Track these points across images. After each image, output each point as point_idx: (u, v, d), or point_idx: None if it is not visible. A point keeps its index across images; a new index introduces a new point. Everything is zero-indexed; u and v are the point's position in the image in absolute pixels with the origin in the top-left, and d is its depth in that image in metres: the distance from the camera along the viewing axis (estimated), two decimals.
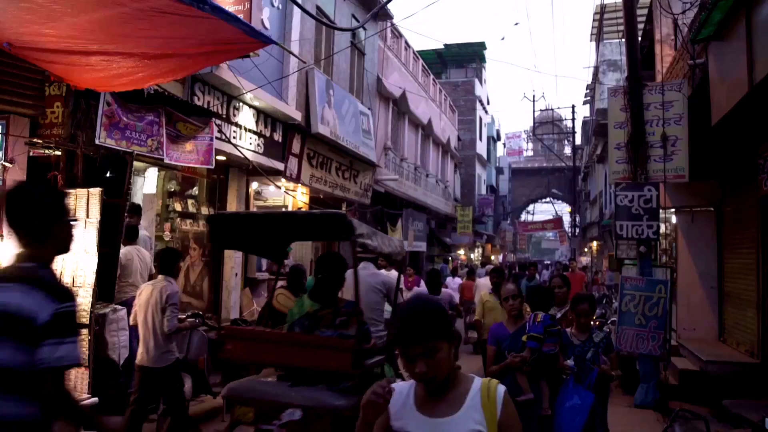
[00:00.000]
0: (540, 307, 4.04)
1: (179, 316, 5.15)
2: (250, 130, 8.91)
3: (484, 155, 33.43)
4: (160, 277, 4.91)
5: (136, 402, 4.73)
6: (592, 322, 4.33)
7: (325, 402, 3.29)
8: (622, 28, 10.63)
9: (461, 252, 28.85)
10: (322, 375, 3.47)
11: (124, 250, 5.62)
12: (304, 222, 4.31)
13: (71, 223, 2.29)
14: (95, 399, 4.27)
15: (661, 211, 7.43)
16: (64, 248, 2.26)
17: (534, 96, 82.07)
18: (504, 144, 48.91)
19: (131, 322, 5.04)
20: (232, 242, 4.46)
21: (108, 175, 5.30)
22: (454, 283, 12.71)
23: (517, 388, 3.79)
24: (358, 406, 2.15)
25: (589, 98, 29.22)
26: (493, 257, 34.87)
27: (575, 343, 4.05)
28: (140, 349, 4.79)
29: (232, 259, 9.06)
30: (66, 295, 2.11)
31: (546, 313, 3.97)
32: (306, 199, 11.28)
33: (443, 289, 8.51)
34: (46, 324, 1.99)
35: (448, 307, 8.12)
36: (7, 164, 4.69)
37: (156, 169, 7.45)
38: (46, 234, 2.15)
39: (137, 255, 5.97)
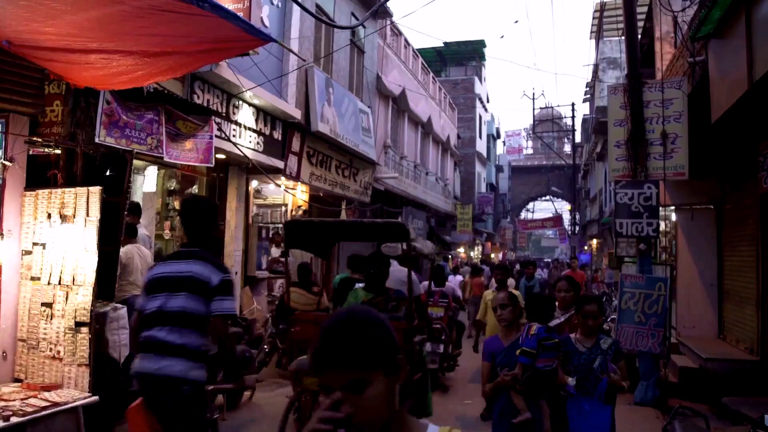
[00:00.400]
0: (537, 317, 3.65)
1: None
2: (249, 129, 8.90)
3: (484, 153, 33.43)
4: None
5: None
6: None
7: None
8: (621, 25, 10.62)
9: (461, 250, 28.87)
10: None
11: (124, 248, 5.62)
12: (370, 228, 5.31)
13: (220, 226, 3.40)
14: (95, 398, 4.28)
15: (660, 208, 7.43)
16: (214, 241, 3.52)
17: (534, 94, 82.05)
18: (504, 142, 48.88)
19: None
20: (300, 243, 5.29)
21: (108, 173, 5.29)
22: (455, 280, 12.76)
23: (513, 409, 3.49)
24: (409, 374, 2.51)
25: (588, 96, 29.19)
26: (492, 255, 34.88)
27: (581, 350, 3.62)
28: None
29: (232, 258, 9.06)
30: (225, 268, 3.19)
31: (543, 324, 3.58)
32: (306, 197, 11.28)
33: (447, 283, 9.01)
34: (216, 286, 3.03)
35: (452, 299, 8.49)
36: (6, 163, 4.68)
37: (156, 167, 7.45)
38: (207, 233, 3.26)
39: (138, 253, 5.97)
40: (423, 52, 23.14)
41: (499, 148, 43.98)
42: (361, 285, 5.69)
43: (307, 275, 6.30)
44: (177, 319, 2.98)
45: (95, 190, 4.55)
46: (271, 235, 10.70)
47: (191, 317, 2.99)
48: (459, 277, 13.52)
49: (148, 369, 2.96)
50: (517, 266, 17.41)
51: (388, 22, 15.68)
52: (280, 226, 11.31)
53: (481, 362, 3.78)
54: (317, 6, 10.89)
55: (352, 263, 6.77)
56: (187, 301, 3.00)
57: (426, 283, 7.65)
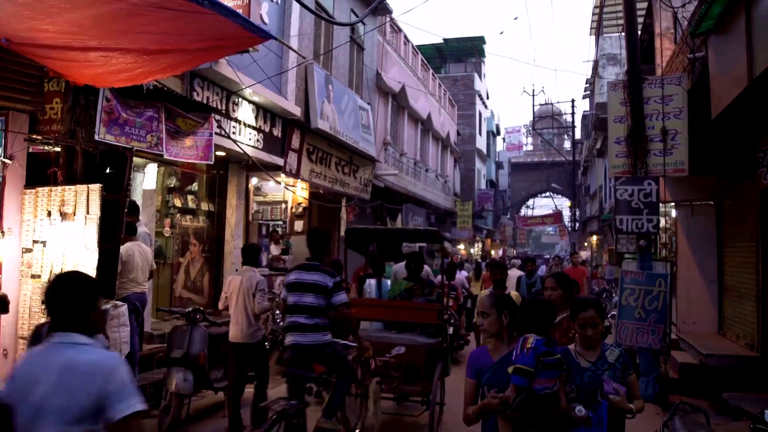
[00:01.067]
0: (534, 327, 2.84)
1: (185, 310, 5.87)
2: (249, 126, 8.90)
3: (484, 150, 33.41)
4: (245, 267, 5.76)
5: (235, 375, 5.59)
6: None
7: (420, 341, 5.45)
8: (621, 21, 10.61)
9: (461, 247, 28.87)
10: (415, 326, 5.81)
11: (125, 246, 5.62)
12: (412, 234, 7.54)
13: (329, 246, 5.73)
14: None
15: (660, 205, 7.42)
16: (323, 258, 4.92)
17: (533, 90, 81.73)
18: (503, 138, 48.83)
19: (220, 307, 5.78)
20: (355, 246, 6.54)
21: (108, 171, 5.29)
22: (460, 275, 12.85)
23: None
24: (440, 343, 5.42)
25: (588, 92, 29.15)
26: (492, 252, 34.90)
27: (583, 365, 2.93)
28: (233, 329, 5.60)
29: (232, 255, 9.06)
30: (335, 274, 4.77)
31: (541, 336, 2.78)
32: (306, 194, 11.28)
33: (456, 276, 10.16)
34: (332, 287, 4.64)
35: (461, 289, 9.68)
36: (6, 161, 4.68)
37: (155, 164, 7.45)
38: (323, 252, 4.95)
39: (138, 251, 5.97)
40: (422, 49, 23.11)
41: (499, 144, 43.95)
42: (373, 279, 7.13)
43: (340, 271, 6.95)
44: (308, 310, 4.62)
45: (95, 188, 4.55)
46: (270, 232, 10.71)
47: (317, 308, 4.62)
48: (464, 273, 13.61)
49: (298, 342, 4.58)
50: (518, 262, 17.25)
51: (388, 19, 15.65)
52: (280, 222, 11.32)
53: (465, 379, 3.02)
54: (317, 3, 10.87)
55: (369, 260, 7.49)
56: (313, 298, 4.62)
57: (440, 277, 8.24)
